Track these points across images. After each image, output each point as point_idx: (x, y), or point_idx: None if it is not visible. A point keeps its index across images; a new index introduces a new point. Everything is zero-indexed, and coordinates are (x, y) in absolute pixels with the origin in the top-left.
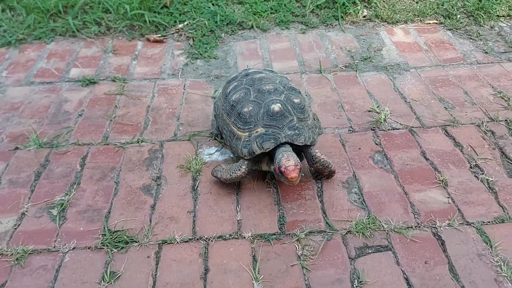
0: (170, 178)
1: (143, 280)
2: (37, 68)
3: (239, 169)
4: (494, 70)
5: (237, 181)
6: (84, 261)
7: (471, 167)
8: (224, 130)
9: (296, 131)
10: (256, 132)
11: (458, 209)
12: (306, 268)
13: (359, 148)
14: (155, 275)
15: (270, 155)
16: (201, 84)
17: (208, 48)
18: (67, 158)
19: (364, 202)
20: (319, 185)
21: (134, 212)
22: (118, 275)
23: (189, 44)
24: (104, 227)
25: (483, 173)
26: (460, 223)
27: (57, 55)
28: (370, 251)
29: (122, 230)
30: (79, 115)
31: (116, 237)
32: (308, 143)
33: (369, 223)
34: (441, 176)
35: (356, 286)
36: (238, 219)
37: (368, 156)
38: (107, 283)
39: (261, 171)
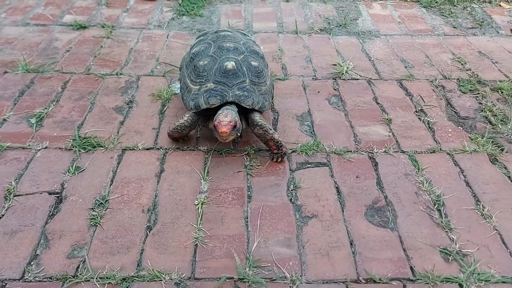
0: (141, 103)
1: (103, 174)
2: (34, 12)
3: (182, 117)
4: (457, 41)
5: (185, 133)
6: (54, 157)
7: (416, 111)
8: (181, 81)
9: (246, 92)
10: (206, 86)
11: (396, 141)
12: (250, 175)
13: (318, 92)
14: (115, 171)
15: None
16: (183, 35)
17: (195, 7)
18: (50, 82)
19: (313, 132)
20: (275, 117)
21: (104, 125)
22: (82, 169)
23: (178, 3)
24: (75, 134)
25: (426, 116)
26: (395, 151)
27: (54, 4)
28: (309, 166)
29: (91, 137)
30: (67, 51)
31: (85, 142)
32: (256, 108)
33: (313, 146)
34: (387, 116)
35: (291, 190)
36: (197, 136)
37: (324, 98)
38: (71, 174)
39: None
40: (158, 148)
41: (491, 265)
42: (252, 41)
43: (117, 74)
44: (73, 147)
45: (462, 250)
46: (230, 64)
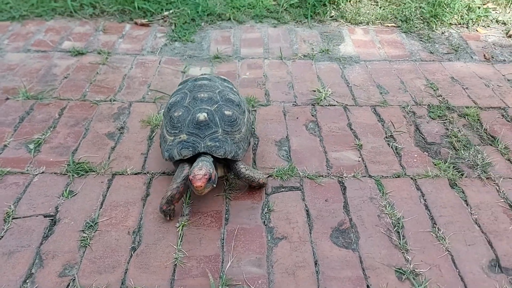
0: (131, 129)
1: (94, 197)
2: (35, 39)
3: (183, 170)
4: (433, 66)
5: (178, 199)
6: (49, 181)
7: (386, 137)
8: (161, 130)
9: (217, 143)
10: (179, 138)
11: (365, 166)
12: (229, 198)
13: (297, 118)
14: (105, 195)
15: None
16: (174, 61)
17: (187, 33)
18: (48, 109)
19: (290, 157)
20: (256, 142)
21: (97, 151)
22: (75, 193)
23: (171, 29)
24: (69, 160)
25: (395, 141)
26: (363, 176)
27: (54, 30)
28: (283, 190)
29: (84, 163)
30: (65, 77)
31: (79, 167)
32: (229, 157)
33: (288, 171)
34: (359, 141)
35: (265, 213)
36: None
37: (302, 124)
38: (65, 198)
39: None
40: (145, 173)
41: (440, 283)
42: (229, 88)
43: (110, 101)
44: (67, 172)
45: (415, 270)
46: (202, 116)
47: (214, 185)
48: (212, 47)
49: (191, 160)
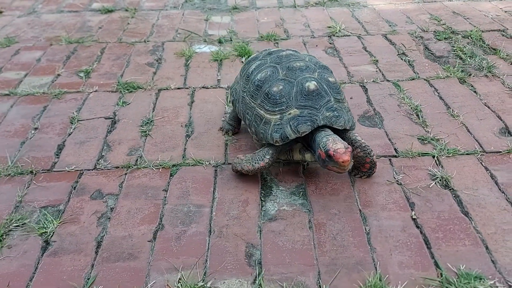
0: (168, 59)
1: (146, 105)
2: (66, 3)
3: (263, 159)
4: (435, 5)
5: (261, 172)
6: (104, 96)
7: (398, 54)
8: (247, 115)
9: (335, 112)
10: (289, 114)
11: (382, 74)
12: None
13: (316, 45)
14: (155, 103)
15: (304, 142)
16: (196, 13)
17: None
18: (90, 49)
19: None
20: None
21: (141, 75)
22: (128, 103)
23: None
24: (118, 81)
25: (407, 57)
26: (382, 80)
27: None
28: None
29: (132, 82)
30: (99, 28)
31: (127, 86)
32: (348, 127)
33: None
34: (375, 58)
35: None
36: (218, 79)
37: (321, 50)
38: (120, 106)
39: (291, 162)
40: (187, 88)
41: (458, 144)
42: (312, 56)
43: (145, 41)
44: (118, 89)
45: (435, 137)
46: (312, 85)
47: (353, 161)
48: (230, 0)
49: (297, 141)
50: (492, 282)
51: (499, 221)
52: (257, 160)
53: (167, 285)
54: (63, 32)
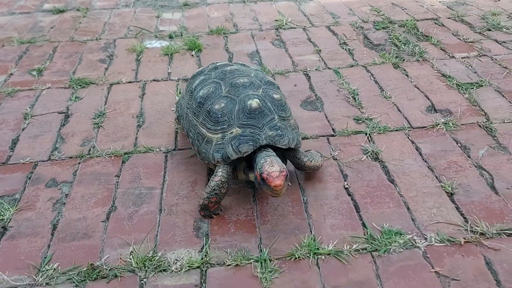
0: (119, 55)
1: (98, 99)
2: (17, 5)
3: (215, 175)
4: None
5: (223, 194)
6: (56, 92)
7: (340, 44)
8: (190, 133)
9: (279, 131)
10: (231, 133)
11: (324, 62)
12: None
13: (264, 38)
14: (107, 97)
15: (248, 162)
16: (148, 11)
17: None
18: (43, 48)
19: (261, 62)
20: (230, 56)
21: (93, 71)
22: (81, 98)
23: None
24: (71, 77)
25: (347, 46)
26: (323, 68)
27: None
28: None
29: (84, 78)
30: (51, 27)
31: (80, 81)
32: (292, 146)
33: (261, 69)
34: (318, 48)
35: None
36: (169, 72)
37: (269, 41)
38: (73, 101)
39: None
40: (138, 81)
41: (388, 122)
42: (259, 71)
43: (97, 39)
44: (71, 85)
45: (369, 117)
46: (254, 102)
47: (289, 184)
48: None
49: (242, 160)
50: (410, 236)
51: (420, 185)
52: (210, 182)
53: (120, 258)
54: (15, 33)
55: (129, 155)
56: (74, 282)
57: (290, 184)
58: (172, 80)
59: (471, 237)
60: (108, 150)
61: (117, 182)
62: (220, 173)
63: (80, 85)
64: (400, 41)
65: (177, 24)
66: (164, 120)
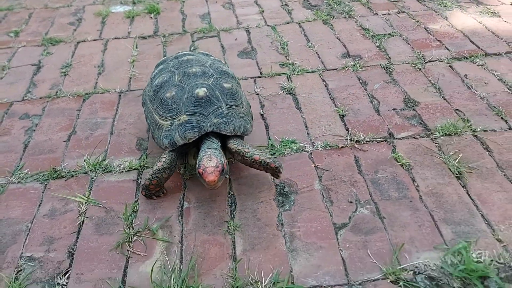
0: (87, 19)
1: (66, 54)
2: None
3: (159, 160)
4: None
5: (164, 179)
6: (30, 50)
7: (282, 5)
8: (147, 119)
9: (224, 119)
10: (179, 120)
11: (265, 21)
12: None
13: (216, 1)
14: (74, 52)
15: (198, 148)
16: None
17: None
18: (20, 14)
19: (210, 22)
20: (184, 17)
21: (63, 32)
22: (51, 53)
23: None
24: (43, 37)
25: (288, 7)
26: (263, 25)
27: None
28: (205, 37)
29: (55, 37)
30: None
31: (51, 40)
32: (239, 133)
33: (209, 28)
34: (262, 9)
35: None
36: (129, 31)
37: (220, 5)
38: (44, 56)
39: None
40: (102, 39)
41: (308, 66)
42: (218, 60)
43: (68, 6)
44: (43, 44)
45: (293, 62)
46: (201, 91)
47: (227, 176)
48: None
49: (192, 145)
50: (302, 144)
51: (320, 111)
52: (155, 164)
53: (76, 165)
54: None
55: (89, 95)
56: (39, 180)
57: (227, 176)
58: (131, 38)
59: (349, 143)
60: (72, 92)
61: (78, 114)
62: (163, 159)
63: (51, 43)
64: (334, 2)
65: None
66: (121, 69)
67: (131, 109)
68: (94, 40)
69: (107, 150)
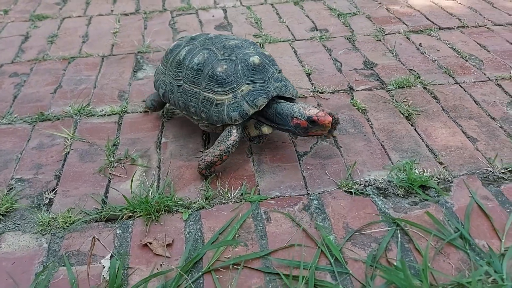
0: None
1: (53, 27)
2: None
3: (230, 135)
4: None
5: (232, 152)
6: (19, 25)
7: None
8: (191, 103)
9: (283, 82)
10: (242, 90)
11: (241, 2)
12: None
13: None
14: (60, 25)
15: (258, 116)
16: None
17: None
18: None
19: (189, 2)
20: None
21: (50, 10)
22: (39, 27)
23: None
24: (31, 15)
25: None
26: (239, 6)
27: None
28: (186, 14)
29: (42, 14)
30: None
31: (38, 16)
32: (294, 95)
33: (186, 7)
34: None
35: (172, 23)
36: (112, 9)
37: None
38: (33, 29)
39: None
40: (86, 16)
41: (279, 37)
42: (235, 35)
43: None
44: (31, 19)
45: (265, 34)
46: (256, 59)
47: None
48: None
49: (251, 117)
50: None
51: (289, 70)
52: (224, 140)
53: (62, 110)
54: None
55: (74, 58)
56: (28, 122)
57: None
58: (114, 14)
59: (313, 95)
60: (58, 56)
61: (63, 73)
62: (235, 133)
63: (38, 19)
64: None
65: None
66: (104, 39)
67: (113, 68)
68: (79, 16)
69: (90, 100)
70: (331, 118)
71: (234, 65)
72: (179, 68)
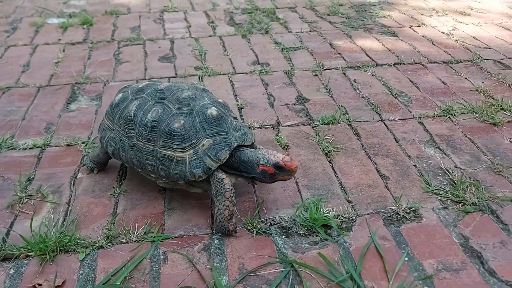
0: (22, 28)
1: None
2: None
3: (221, 180)
4: None
5: (233, 190)
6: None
7: (208, 22)
8: (147, 161)
9: (241, 130)
10: (203, 145)
11: (190, 34)
12: None
13: (148, 17)
14: (3, 54)
15: (221, 167)
16: None
17: None
18: None
19: (139, 33)
20: None
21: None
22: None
23: None
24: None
25: (214, 23)
26: (187, 37)
27: None
28: (131, 45)
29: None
30: None
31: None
32: (254, 141)
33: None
34: (189, 24)
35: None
36: (59, 38)
37: (152, 20)
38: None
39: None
40: (32, 44)
41: (220, 70)
42: (176, 83)
43: (6, 17)
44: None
45: (207, 67)
46: (214, 111)
47: None
48: None
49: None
50: None
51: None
52: (221, 190)
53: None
54: None
55: (9, 89)
56: None
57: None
58: (60, 43)
59: None
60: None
61: None
62: (223, 175)
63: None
64: (256, 21)
65: (79, 8)
66: (44, 68)
67: (47, 100)
68: (25, 45)
69: (16, 132)
70: (297, 162)
71: (192, 119)
72: (129, 125)
